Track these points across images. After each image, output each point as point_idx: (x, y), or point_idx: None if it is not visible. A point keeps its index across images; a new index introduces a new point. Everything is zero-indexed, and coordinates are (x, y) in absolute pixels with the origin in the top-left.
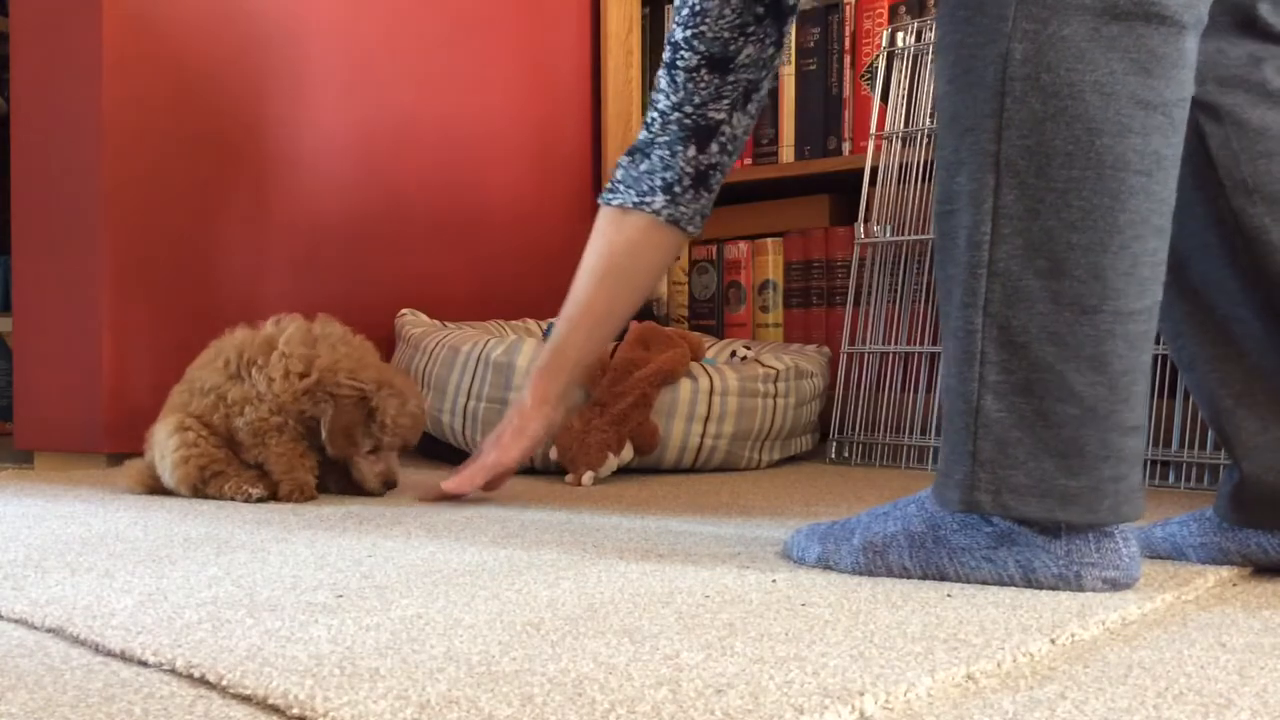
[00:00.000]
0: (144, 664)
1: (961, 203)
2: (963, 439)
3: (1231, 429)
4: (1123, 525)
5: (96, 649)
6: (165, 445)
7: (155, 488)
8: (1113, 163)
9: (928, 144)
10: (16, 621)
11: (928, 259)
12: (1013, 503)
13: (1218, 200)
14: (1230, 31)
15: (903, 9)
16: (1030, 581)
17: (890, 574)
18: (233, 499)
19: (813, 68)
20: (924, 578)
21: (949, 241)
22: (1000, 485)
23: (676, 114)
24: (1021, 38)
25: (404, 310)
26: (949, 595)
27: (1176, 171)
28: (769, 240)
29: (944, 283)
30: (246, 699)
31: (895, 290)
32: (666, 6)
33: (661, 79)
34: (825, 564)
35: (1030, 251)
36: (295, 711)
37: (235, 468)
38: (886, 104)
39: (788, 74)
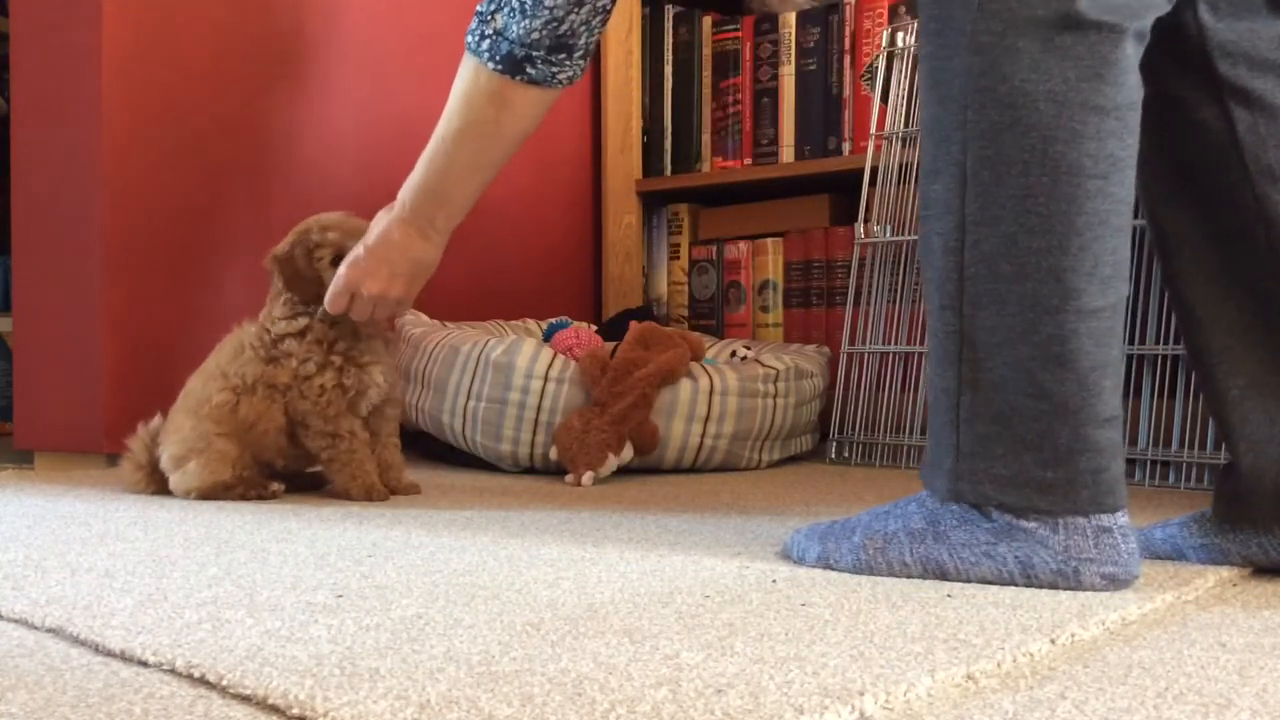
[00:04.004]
0: (144, 664)
1: (937, 209)
2: (947, 432)
3: (1237, 419)
4: (1122, 522)
5: (96, 649)
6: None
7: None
8: (1068, 168)
9: None
10: (16, 621)
11: None
12: (993, 492)
13: (1241, 186)
14: (1262, 11)
15: (903, 9)
16: (1029, 578)
17: (890, 570)
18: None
19: (813, 68)
20: (923, 574)
21: (928, 246)
22: (981, 476)
23: None
24: (979, 50)
25: None
26: (949, 595)
27: (1133, 172)
28: (769, 240)
29: (926, 285)
30: (246, 699)
31: (895, 290)
32: (666, 6)
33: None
34: (825, 563)
35: (995, 257)
36: (295, 711)
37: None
38: (886, 104)
39: (788, 74)
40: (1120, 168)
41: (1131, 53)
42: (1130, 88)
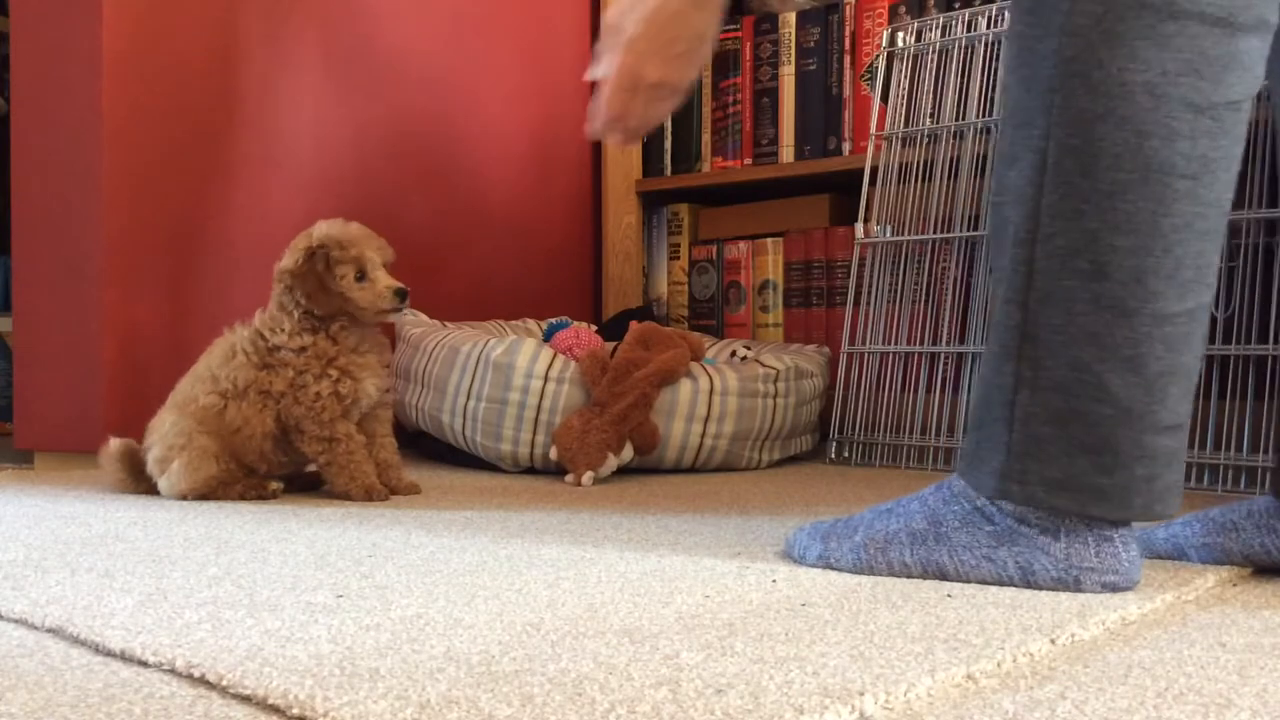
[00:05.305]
0: (144, 664)
1: (1011, 197)
2: (999, 430)
3: None
4: (1123, 529)
5: (96, 649)
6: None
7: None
8: (1159, 166)
9: (928, 144)
10: (16, 621)
11: (927, 259)
12: (1043, 495)
13: None
14: None
15: (903, 9)
16: (1029, 583)
17: (890, 570)
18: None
19: (813, 68)
20: (923, 575)
21: (998, 235)
22: (1033, 477)
23: None
24: (1075, 31)
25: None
26: (949, 595)
27: (1227, 175)
28: (769, 240)
29: (994, 274)
30: (246, 699)
31: (895, 290)
32: None
33: None
34: (826, 562)
35: (1072, 252)
36: (295, 711)
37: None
38: (886, 104)
39: (788, 74)
40: (1212, 169)
41: (1245, 49)
42: (1231, 86)
